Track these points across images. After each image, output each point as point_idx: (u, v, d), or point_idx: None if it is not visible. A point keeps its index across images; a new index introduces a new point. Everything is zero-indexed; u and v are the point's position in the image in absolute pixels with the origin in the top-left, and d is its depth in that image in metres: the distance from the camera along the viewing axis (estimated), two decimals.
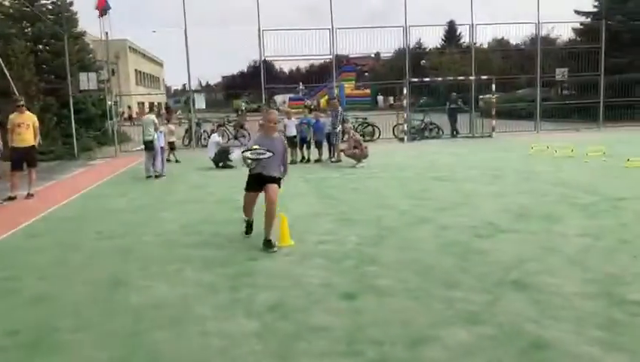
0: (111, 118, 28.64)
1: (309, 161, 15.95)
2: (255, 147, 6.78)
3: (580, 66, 25.98)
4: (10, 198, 10.88)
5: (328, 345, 3.96)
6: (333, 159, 15.89)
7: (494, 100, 22.67)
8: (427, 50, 45.14)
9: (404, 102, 21.99)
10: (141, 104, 61.78)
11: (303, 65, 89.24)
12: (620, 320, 4.16)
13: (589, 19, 32.64)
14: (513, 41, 46.36)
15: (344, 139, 15.31)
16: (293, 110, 17.65)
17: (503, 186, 10.42)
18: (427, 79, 24.37)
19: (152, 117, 13.86)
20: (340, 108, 16.06)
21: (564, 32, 54.61)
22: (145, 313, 4.68)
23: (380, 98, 58.51)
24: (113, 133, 28.14)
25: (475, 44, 23.97)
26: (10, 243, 7.48)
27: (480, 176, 11.77)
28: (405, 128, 21.98)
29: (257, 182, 6.91)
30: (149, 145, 13.61)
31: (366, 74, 71.28)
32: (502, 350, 3.76)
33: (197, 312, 4.67)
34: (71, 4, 24.41)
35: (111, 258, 6.48)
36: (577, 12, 33.07)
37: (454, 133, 23.85)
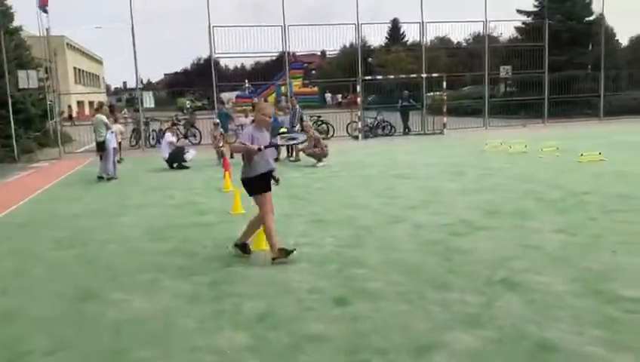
0: (52, 118, 27.45)
1: None
2: (283, 130, 6.19)
3: (523, 64, 26.77)
4: None
5: (330, 356, 3.77)
6: (291, 158, 15.67)
7: (445, 98, 22.98)
8: (371, 47, 45.33)
9: (358, 100, 21.96)
10: (81, 103, 59.64)
11: (249, 62, 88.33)
12: (616, 318, 4.15)
13: (529, 19, 33.70)
14: (456, 40, 47.48)
15: None
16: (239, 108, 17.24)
17: (466, 183, 10.49)
18: (380, 77, 24.47)
19: (103, 117, 13.25)
20: (297, 107, 15.86)
21: (505, 31, 56.09)
22: (125, 329, 4.35)
23: (328, 96, 58.59)
24: (56, 134, 26.98)
25: (424, 42, 24.16)
26: None
27: (441, 174, 11.83)
28: (359, 126, 21.98)
29: (268, 179, 6.12)
30: (101, 146, 13.00)
31: (313, 72, 71.27)
32: (509, 354, 3.68)
33: (181, 326, 4.39)
34: None
35: (75, 268, 6.07)
36: (519, 11, 34.11)
37: (406, 130, 24.07)
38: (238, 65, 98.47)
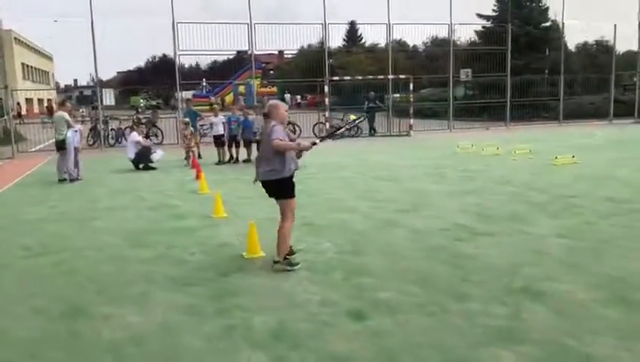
0: (2, 116, 26.13)
1: (237, 161, 15.16)
2: (352, 117, 5.55)
3: (482, 67, 27.11)
4: None
5: None
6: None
7: (411, 100, 22.95)
8: (329, 49, 44.73)
9: (326, 100, 21.67)
10: (29, 101, 57.21)
11: (205, 61, 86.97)
12: None
13: (489, 23, 34.26)
14: (412, 43, 47.76)
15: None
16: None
17: (449, 185, 10.33)
18: (348, 78, 24.24)
19: (65, 114, 12.49)
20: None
21: (463, 35, 56.75)
22: (126, 351, 3.89)
23: (287, 96, 58.19)
24: (6, 133, 25.66)
25: (391, 43, 24.08)
26: None
27: (422, 176, 11.66)
28: (327, 127, 21.70)
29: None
30: (61, 145, 12.25)
31: (271, 72, 70.65)
32: None
33: (188, 345, 3.96)
34: None
35: (54, 279, 5.52)
36: (480, 15, 34.63)
37: (372, 131, 23.95)
38: (194, 64, 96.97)
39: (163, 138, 22.07)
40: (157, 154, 14.26)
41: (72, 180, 12.27)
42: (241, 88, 54.75)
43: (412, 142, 20.25)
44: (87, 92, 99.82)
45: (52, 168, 14.55)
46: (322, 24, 22.72)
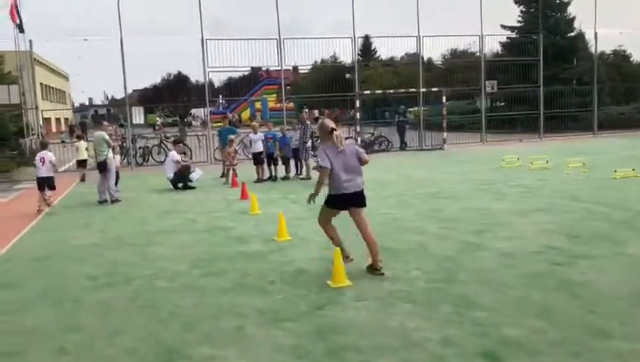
0: (27, 136, 26.05)
1: (276, 178, 14.74)
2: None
3: (507, 79, 26.62)
4: None
5: None
6: (301, 176, 14.82)
7: (445, 112, 22.50)
8: (341, 62, 43.89)
9: (357, 115, 21.26)
10: (47, 120, 57.44)
11: (219, 78, 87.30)
12: None
13: (513, 33, 33.80)
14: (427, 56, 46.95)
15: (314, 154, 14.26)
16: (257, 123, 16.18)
17: (513, 203, 9.81)
18: (379, 91, 23.81)
19: (104, 133, 12.17)
20: (308, 122, 15.02)
21: (487, 46, 55.86)
22: None
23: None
24: (31, 153, 25.50)
25: (421, 56, 23.68)
26: None
27: (476, 192, 11.16)
28: (359, 142, 21.25)
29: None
30: (102, 166, 11.91)
31: (288, 87, 70.56)
32: None
33: None
34: None
35: (133, 315, 5.08)
36: (503, 27, 34.16)
37: (403, 145, 23.50)
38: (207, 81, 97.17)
39: (192, 156, 21.73)
40: (196, 174, 13.89)
41: (112, 201, 11.91)
42: (258, 105, 54.76)
43: (448, 156, 19.74)
44: (102, 110, 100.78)
45: (85, 189, 14.30)
46: (351, 38, 22.36)
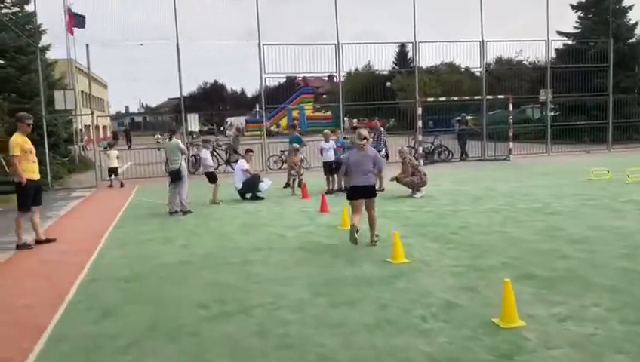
0: (76, 143, 25.81)
1: (346, 189, 13.78)
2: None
3: (563, 87, 25.31)
4: (26, 246, 8.39)
5: None
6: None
7: (511, 122, 21.34)
8: (376, 72, 42.38)
9: (419, 123, 20.25)
10: (86, 128, 57.75)
11: (255, 87, 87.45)
12: None
13: (570, 41, 32.40)
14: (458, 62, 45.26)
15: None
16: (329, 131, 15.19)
17: (638, 221, 8.69)
18: (443, 98, 22.75)
19: (178, 141, 11.46)
20: (382, 130, 14.11)
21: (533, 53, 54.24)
22: None
23: (346, 120, 56.94)
24: (81, 159, 25.30)
25: (484, 63, 22.57)
26: (75, 332, 4.99)
27: (587, 208, 10.05)
28: (420, 151, 20.25)
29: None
30: (175, 175, 11.17)
31: (324, 96, 69.76)
32: None
33: None
34: (34, 14, 21.22)
35: (271, 357, 4.20)
36: (560, 33, 32.78)
37: (463, 156, 22.41)
38: (238, 90, 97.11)
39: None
40: (265, 184, 13.06)
41: (184, 213, 11.15)
42: (295, 113, 54.15)
43: (519, 167, 18.55)
44: (139, 118, 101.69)
45: (149, 198, 13.60)
46: (412, 43, 21.40)
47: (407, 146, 21.39)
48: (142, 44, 19.08)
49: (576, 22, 33.25)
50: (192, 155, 20.21)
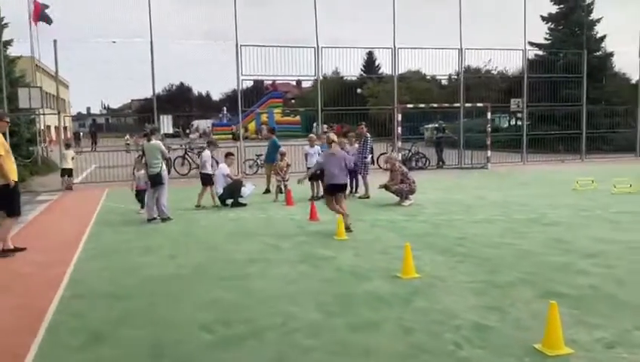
0: (38, 144, 24.66)
1: None
2: None
3: (533, 97, 25.46)
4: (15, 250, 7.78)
5: None
6: (358, 195, 13.44)
7: (489, 130, 21.27)
8: (343, 77, 42.10)
9: (399, 129, 19.95)
10: (47, 128, 55.72)
11: (221, 90, 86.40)
12: None
13: (540, 51, 32.77)
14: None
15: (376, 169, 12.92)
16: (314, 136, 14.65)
17: None
18: (422, 105, 22.48)
19: (159, 143, 10.77)
20: (368, 136, 13.70)
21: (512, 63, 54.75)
22: None
23: (314, 125, 56.49)
24: (43, 161, 24.16)
25: (462, 70, 22.48)
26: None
27: (584, 219, 9.83)
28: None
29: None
30: (155, 179, 10.48)
31: (292, 101, 69.21)
32: None
33: None
34: None
35: None
36: (532, 43, 33.09)
37: (440, 163, 22.23)
38: (203, 93, 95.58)
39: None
40: (248, 189, 12.48)
41: (163, 220, 10.47)
42: (264, 117, 53.46)
43: (498, 175, 18.46)
44: (101, 120, 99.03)
45: (117, 203, 12.85)
46: (391, 48, 21.12)
47: (384, 153, 21.16)
48: (114, 42, 18.21)
49: (547, 33, 33.75)
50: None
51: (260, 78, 22.28)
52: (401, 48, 21.00)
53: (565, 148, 25.20)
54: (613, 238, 8.14)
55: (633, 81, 34.47)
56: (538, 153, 24.24)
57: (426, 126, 31.80)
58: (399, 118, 19.85)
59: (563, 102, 25.53)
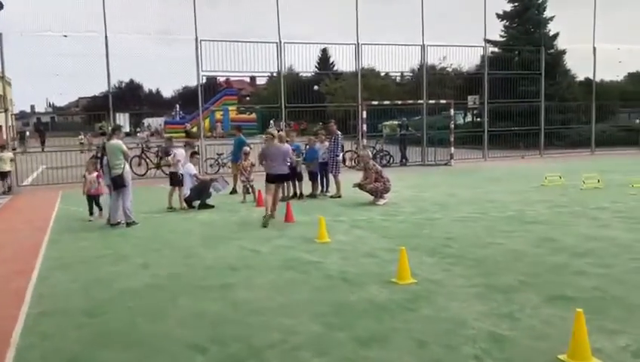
0: None
1: (301, 196, 12.92)
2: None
3: (491, 93, 25.72)
4: None
5: None
6: (329, 194, 13.06)
7: (452, 127, 21.28)
8: (299, 74, 41.62)
9: (364, 126, 19.68)
10: None
11: (172, 87, 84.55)
12: None
13: (496, 48, 33.20)
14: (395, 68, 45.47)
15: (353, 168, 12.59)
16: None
17: (627, 230, 8.40)
18: (387, 102, 22.24)
19: (120, 142, 10.06)
20: (339, 133, 13.33)
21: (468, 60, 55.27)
22: None
23: (271, 122, 55.81)
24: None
25: (425, 67, 22.40)
26: None
27: (564, 216, 9.74)
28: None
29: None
30: (118, 181, 9.80)
31: (247, 98, 68.22)
32: None
33: None
34: None
35: None
36: (488, 41, 33.47)
37: (403, 160, 22.12)
38: (153, 90, 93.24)
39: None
40: (220, 185, 11.96)
41: (128, 224, 9.82)
42: (218, 115, 52.44)
43: (463, 172, 18.44)
44: (46, 118, 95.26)
45: (76, 207, 12.04)
46: (355, 44, 20.82)
47: (349, 150, 20.87)
48: (66, 36, 17.21)
49: (502, 30, 34.21)
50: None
51: (220, 74, 21.51)
52: (364, 44, 20.68)
53: (525, 145, 25.50)
54: (600, 236, 8.05)
55: (581, 78, 35.57)
56: (498, 149, 24.45)
57: (384, 123, 31.78)
58: (364, 115, 19.53)
59: (520, 98, 25.87)
